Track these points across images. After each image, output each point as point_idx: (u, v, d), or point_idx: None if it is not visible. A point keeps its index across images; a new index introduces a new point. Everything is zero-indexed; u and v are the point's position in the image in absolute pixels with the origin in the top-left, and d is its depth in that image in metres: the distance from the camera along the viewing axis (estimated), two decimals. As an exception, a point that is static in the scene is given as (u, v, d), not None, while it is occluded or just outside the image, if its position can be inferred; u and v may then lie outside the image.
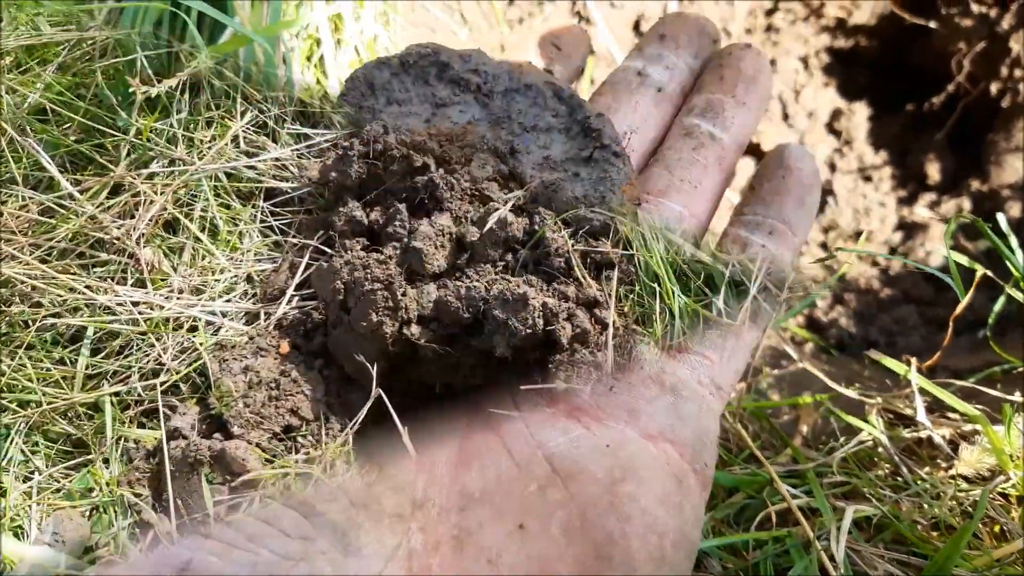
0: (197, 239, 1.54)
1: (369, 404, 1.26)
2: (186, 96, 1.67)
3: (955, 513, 1.24)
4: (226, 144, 1.63)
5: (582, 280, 1.35)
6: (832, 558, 1.13)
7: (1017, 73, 1.98)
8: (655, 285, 1.30)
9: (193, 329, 1.48)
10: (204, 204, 1.58)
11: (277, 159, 1.66)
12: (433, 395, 1.48)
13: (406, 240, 1.43)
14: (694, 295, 1.29)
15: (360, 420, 1.28)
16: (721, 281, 1.27)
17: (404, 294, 1.37)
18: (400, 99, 1.59)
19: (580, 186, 1.45)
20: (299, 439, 1.35)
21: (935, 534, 1.23)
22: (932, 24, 2.10)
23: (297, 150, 1.69)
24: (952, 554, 1.06)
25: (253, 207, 1.63)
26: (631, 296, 1.33)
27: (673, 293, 1.26)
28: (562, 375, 1.23)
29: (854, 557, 1.17)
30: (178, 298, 1.49)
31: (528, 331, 1.25)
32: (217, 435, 1.33)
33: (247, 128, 1.68)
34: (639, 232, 1.35)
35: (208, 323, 1.48)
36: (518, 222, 1.43)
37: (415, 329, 1.37)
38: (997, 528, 1.24)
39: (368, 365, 1.32)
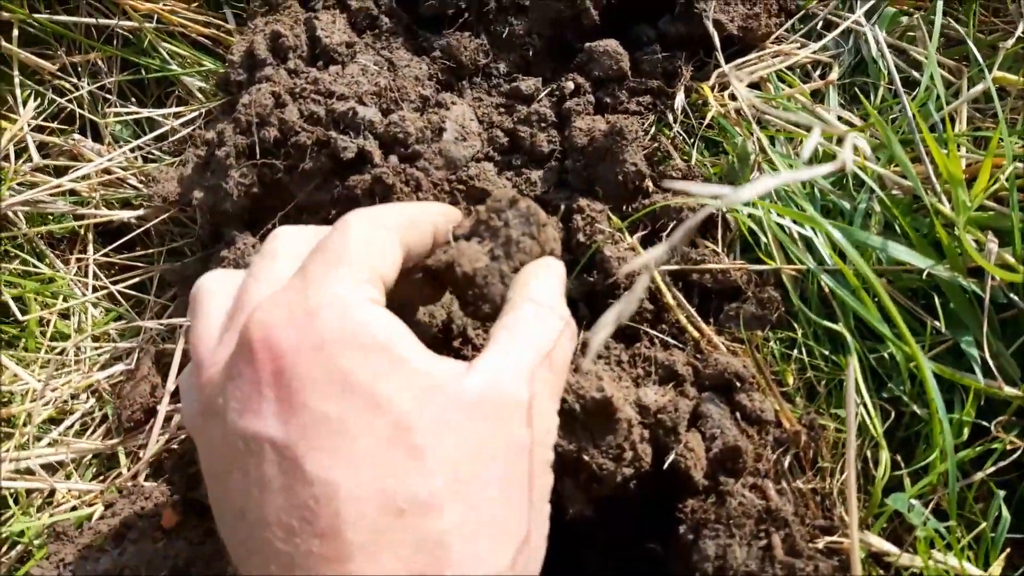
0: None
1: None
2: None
3: None
4: (3, 160, 0.94)
5: (695, 333, 0.73)
6: None
7: None
8: (838, 328, 0.70)
9: (3, 507, 0.83)
10: (-17, 277, 0.90)
11: (106, 170, 0.97)
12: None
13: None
14: (929, 338, 0.68)
15: None
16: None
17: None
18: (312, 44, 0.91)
19: (635, 146, 0.81)
20: None
21: None
22: None
23: (138, 149, 1.00)
24: None
25: (77, 261, 0.95)
26: (793, 353, 0.72)
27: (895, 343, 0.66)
28: (710, 545, 0.63)
29: None
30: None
31: (626, 469, 0.64)
32: None
33: (39, 122, 0.98)
34: (773, 223, 0.74)
35: (29, 492, 0.83)
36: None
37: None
38: None
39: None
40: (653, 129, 0.85)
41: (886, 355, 0.70)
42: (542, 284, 0.54)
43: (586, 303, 0.81)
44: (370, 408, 0.42)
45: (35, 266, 0.94)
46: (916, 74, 0.85)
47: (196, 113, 1.01)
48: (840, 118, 0.80)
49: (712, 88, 0.86)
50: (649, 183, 0.82)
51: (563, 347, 0.51)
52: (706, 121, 0.83)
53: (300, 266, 0.49)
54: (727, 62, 0.88)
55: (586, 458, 0.65)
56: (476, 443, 0.44)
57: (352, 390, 0.42)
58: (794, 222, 0.74)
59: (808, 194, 0.76)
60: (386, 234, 0.50)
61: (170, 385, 0.86)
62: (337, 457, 0.41)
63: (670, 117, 0.85)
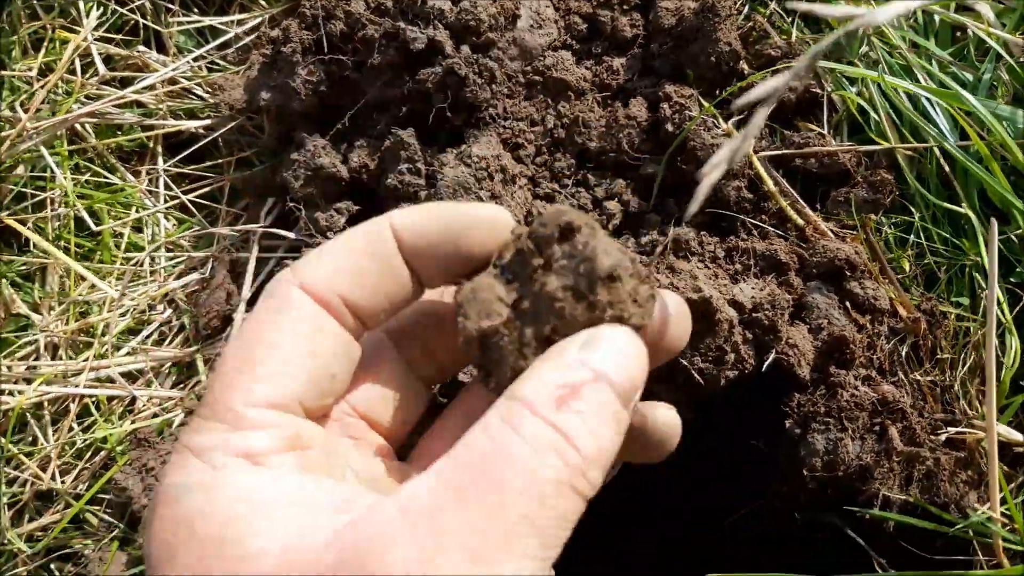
0: (64, 253, 0.87)
1: None
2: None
3: None
4: (70, 73, 0.92)
5: (800, 220, 0.68)
6: None
7: None
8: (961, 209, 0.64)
9: (85, 415, 0.83)
10: (58, 192, 0.89)
11: (171, 80, 0.95)
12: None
13: (425, 195, 0.77)
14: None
15: None
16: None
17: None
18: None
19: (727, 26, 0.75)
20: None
21: None
22: None
23: (202, 58, 0.98)
24: None
25: (148, 173, 0.94)
26: (909, 238, 0.66)
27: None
28: (819, 439, 0.59)
29: None
30: (48, 364, 0.83)
31: (729, 372, 0.60)
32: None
33: (101, 36, 0.96)
34: (883, 95, 0.67)
35: (110, 399, 0.83)
36: (635, 110, 0.76)
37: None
38: None
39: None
40: (747, 8, 0.79)
41: (1014, 236, 0.63)
42: (582, 399, 0.33)
43: (678, 199, 0.76)
44: None
45: (106, 178, 0.93)
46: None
47: (259, 19, 0.98)
48: (960, -18, 0.72)
49: (811, -41, 0.78)
50: (744, 64, 0.75)
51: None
52: (806, -6, 0.76)
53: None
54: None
55: (683, 362, 0.61)
56: None
57: None
58: (908, 96, 0.67)
59: (924, 67, 0.69)
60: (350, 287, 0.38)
61: (245, 292, 0.85)
62: None
63: (765, -7, 0.79)
